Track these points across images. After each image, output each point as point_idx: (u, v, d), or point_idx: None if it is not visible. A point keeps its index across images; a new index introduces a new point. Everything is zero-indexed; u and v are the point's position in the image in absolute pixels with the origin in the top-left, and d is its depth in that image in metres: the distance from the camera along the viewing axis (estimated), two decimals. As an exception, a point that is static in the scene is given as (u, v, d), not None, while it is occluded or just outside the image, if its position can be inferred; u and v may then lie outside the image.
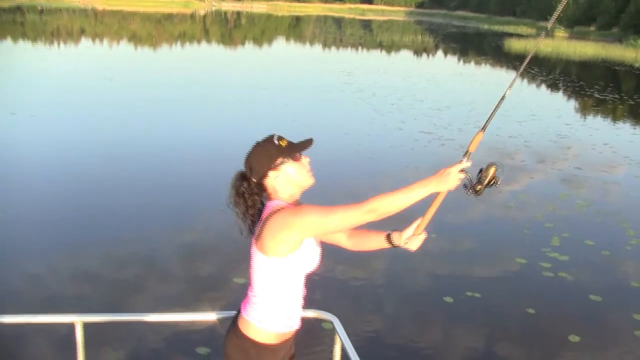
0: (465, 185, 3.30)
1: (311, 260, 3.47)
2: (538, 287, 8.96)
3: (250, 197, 3.46)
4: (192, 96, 23.64)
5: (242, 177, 3.48)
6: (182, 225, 10.41)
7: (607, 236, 11.21)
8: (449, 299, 8.38)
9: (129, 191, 12.05)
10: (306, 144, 3.49)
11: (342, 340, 3.94)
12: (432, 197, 3.39)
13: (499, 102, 3.37)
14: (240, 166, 3.49)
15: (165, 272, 8.69)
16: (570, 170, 15.56)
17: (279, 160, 3.41)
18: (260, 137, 3.51)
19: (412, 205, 3.28)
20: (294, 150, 3.45)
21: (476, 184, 3.28)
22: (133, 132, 17.20)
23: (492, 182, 3.28)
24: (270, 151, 3.42)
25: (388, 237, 3.70)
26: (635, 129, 22.60)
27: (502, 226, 11.54)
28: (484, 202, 12.65)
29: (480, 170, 3.30)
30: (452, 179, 3.26)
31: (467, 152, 3.30)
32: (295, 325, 3.60)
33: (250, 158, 3.45)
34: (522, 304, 8.34)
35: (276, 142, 3.44)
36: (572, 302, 8.62)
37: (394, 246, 3.69)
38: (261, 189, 3.48)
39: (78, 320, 4.10)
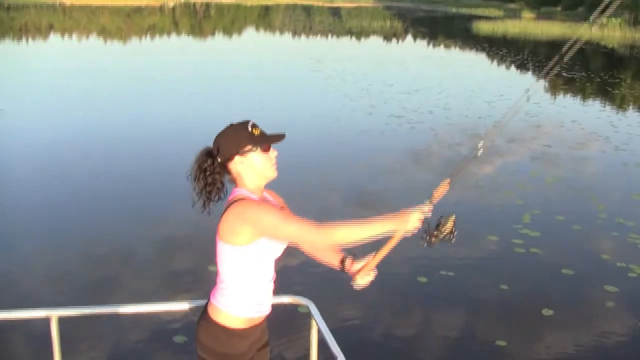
0: (422, 234, 3.36)
1: (277, 247, 3.49)
2: (510, 264, 9.06)
3: (211, 175, 3.46)
4: (162, 89, 23.59)
5: (208, 154, 3.48)
6: (155, 216, 10.41)
7: (578, 211, 11.35)
8: (423, 279, 8.45)
9: (101, 184, 12.04)
10: (278, 137, 3.50)
11: (318, 324, 3.94)
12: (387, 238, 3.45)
13: (469, 159, 3.53)
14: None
15: (140, 264, 8.68)
16: (540, 148, 15.70)
17: (248, 147, 3.42)
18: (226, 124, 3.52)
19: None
20: (265, 141, 3.47)
21: (433, 235, 3.34)
22: (105, 126, 17.09)
23: (449, 236, 3.35)
24: (241, 136, 3.43)
25: (342, 260, 3.74)
26: (603, 105, 22.82)
27: (473, 206, 11.58)
28: (454, 183, 12.73)
29: (440, 221, 3.36)
30: (411, 223, 3.34)
31: (431, 199, 3.40)
32: (265, 310, 3.62)
33: (220, 138, 3.47)
34: (495, 281, 8.42)
35: (249, 129, 3.45)
36: (544, 276, 8.72)
37: (344, 271, 3.74)
38: (224, 170, 3.49)
39: (53, 314, 4.05)
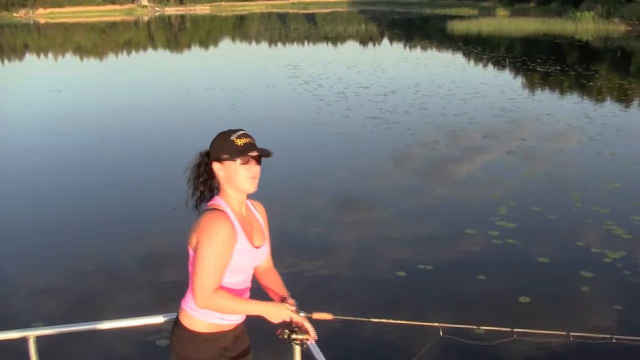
0: (280, 327, 3.53)
1: (245, 263, 3.55)
2: (487, 255, 9.21)
3: (204, 175, 3.52)
4: (140, 103, 23.82)
5: (206, 154, 3.54)
6: (139, 229, 10.52)
7: (553, 202, 11.50)
8: (402, 273, 8.59)
9: (81, 199, 12.15)
10: (261, 152, 3.46)
11: None
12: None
13: None
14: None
15: (126, 279, 8.69)
16: (515, 142, 15.88)
17: (225, 156, 3.41)
18: (210, 138, 3.56)
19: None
20: (242, 154, 3.41)
21: (285, 332, 3.51)
22: (84, 142, 17.24)
23: (295, 341, 3.51)
24: (224, 144, 3.43)
25: (282, 299, 3.73)
26: (577, 98, 23.01)
27: (450, 200, 11.77)
28: (431, 179, 12.94)
29: (299, 329, 3.51)
30: (279, 317, 3.48)
31: (308, 315, 3.55)
32: (234, 318, 3.65)
33: (211, 143, 3.51)
34: (472, 272, 8.56)
35: (233, 137, 3.42)
36: (520, 265, 8.87)
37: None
38: (211, 173, 3.52)
39: (30, 334, 4.00)
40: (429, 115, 19.32)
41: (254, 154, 3.43)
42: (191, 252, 3.47)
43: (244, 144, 3.42)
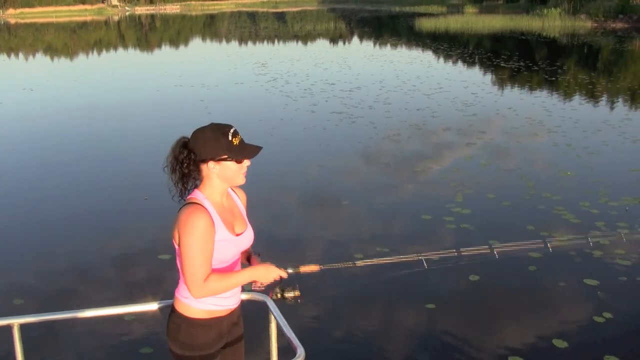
0: (272, 287, 3.87)
1: (229, 252, 3.68)
2: (440, 238, 9.61)
3: (187, 166, 3.58)
4: (110, 100, 24.08)
5: (185, 145, 3.59)
6: (112, 225, 10.66)
7: (508, 189, 11.94)
8: (359, 255, 8.98)
9: (56, 197, 12.29)
10: (255, 151, 3.64)
11: (277, 319, 3.97)
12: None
13: None
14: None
15: (102, 274, 8.73)
16: (474, 134, 16.34)
17: (225, 156, 3.54)
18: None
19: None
20: (242, 154, 3.60)
21: (277, 292, 3.87)
22: (56, 139, 17.49)
23: (288, 299, 3.87)
24: (220, 143, 3.53)
25: (248, 257, 4.04)
26: (538, 93, 23.47)
27: (408, 189, 12.22)
28: (391, 170, 13.35)
29: (290, 286, 3.87)
30: (271, 276, 3.72)
31: (295, 269, 3.87)
32: (229, 304, 3.79)
33: (199, 138, 3.56)
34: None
35: (230, 137, 3.54)
36: (470, 248, 9.27)
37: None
38: (197, 166, 3.61)
39: (15, 322, 4.01)
40: (392, 110, 19.73)
41: (253, 154, 3.65)
42: (176, 246, 3.60)
43: (239, 142, 3.59)
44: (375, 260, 4.34)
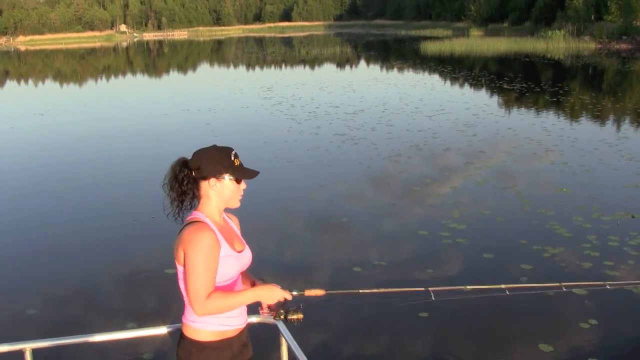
0: (275, 307, 3.83)
1: (232, 268, 3.69)
2: (437, 252, 9.98)
3: (186, 184, 3.63)
4: (119, 124, 24.66)
5: (185, 164, 3.66)
6: (120, 249, 10.82)
7: (503, 206, 12.30)
8: (357, 269, 9.34)
9: (62, 222, 12.55)
10: (253, 173, 3.73)
11: (288, 342, 4.01)
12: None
13: None
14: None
15: (112, 298, 8.83)
16: (474, 153, 16.71)
17: (226, 175, 3.64)
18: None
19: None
20: (241, 175, 3.70)
21: (280, 313, 3.84)
22: (66, 164, 17.87)
23: (293, 322, 3.89)
24: (223, 162, 3.63)
25: (253, 283, 4.02)
26: (539, 113, 23.83)
27: (407, 206, 12.58)
28: (391, 188, 13.71)
29: (292, 307, 3.84)
30: (274, 297, 3.72)
31: (300, 292, 3.86)
32: (237, 324, 3.79)
33: (202, 157, 3.65)
34: (421, 267, 9.32)
35: (232, 158, 3.66)
36: (466, 260, 9.64)
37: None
38: (197, 185, 3.67)
39: (27, 347, 4.02)
40: (394, 131, 20.16)
41: (252, 176, 3.74)
42: (179, 267, 3.62)
43: (239, 164, 3.70)
44: (380, 290, 4.28)
